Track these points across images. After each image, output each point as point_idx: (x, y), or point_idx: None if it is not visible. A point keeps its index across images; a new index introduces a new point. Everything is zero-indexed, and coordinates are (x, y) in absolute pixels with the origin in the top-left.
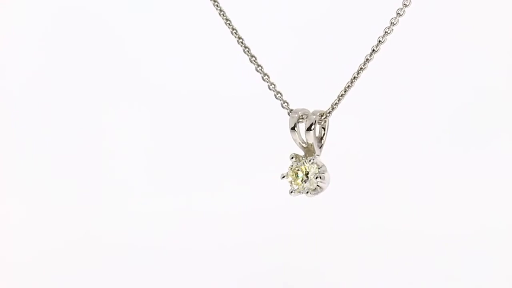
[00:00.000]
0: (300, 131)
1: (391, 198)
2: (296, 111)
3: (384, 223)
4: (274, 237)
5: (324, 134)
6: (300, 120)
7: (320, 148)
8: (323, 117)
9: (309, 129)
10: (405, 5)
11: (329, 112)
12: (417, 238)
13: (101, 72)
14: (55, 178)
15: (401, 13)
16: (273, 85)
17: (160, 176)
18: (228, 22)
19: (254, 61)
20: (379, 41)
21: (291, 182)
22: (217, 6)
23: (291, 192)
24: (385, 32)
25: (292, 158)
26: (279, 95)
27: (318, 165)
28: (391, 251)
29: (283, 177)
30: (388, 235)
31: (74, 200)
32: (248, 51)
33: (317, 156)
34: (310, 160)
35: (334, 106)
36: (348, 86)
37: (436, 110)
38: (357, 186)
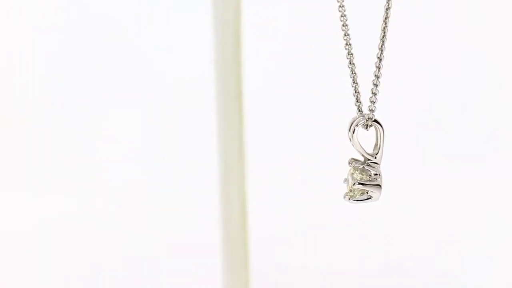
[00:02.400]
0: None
1: (391, 197)
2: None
3: (384, 223)
4: (274, 237)
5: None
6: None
7: (373, 154)
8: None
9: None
10: None
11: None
12: (417, 237)
13: (99, 72)
14: (55, 179)
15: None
16: (360, 106)
17: (159, 174)
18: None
19: (352, 64)
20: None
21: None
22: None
23: (344, 197)
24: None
25: (350, 163)
26: (360, 103)
27: (359, 171)
28: (391, 250)
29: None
30: (388, 234)
31: (74, 200)
32: (352, 57)
33: (360, 162)
34: (350, 163)
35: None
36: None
37: (433, 108)
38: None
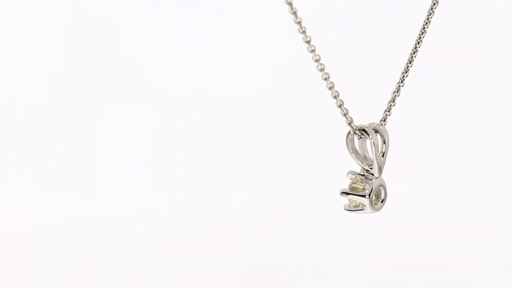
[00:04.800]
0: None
1: (391, 196)
2: (369, 127)
3: (384, 222)
4: (274, 236)
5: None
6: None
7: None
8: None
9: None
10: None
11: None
12: (417, 237)
13: (99, 72)
14: (54, 178)
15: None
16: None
17: (160, 174)
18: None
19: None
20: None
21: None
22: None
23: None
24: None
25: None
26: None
27: (355, 182)
28: (392, 249)
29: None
30: (388, 234)
31: (73, 200)
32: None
33: (354, 172)
34: (348, 173)
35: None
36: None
37: (433, 108)
38: None
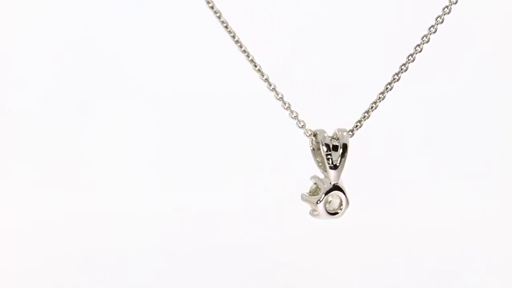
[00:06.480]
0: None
1: (391, 196)
2: (322, 131)
3: (384, 222)
4: (274, 237)
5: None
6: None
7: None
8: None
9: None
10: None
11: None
12: (417, 237)
13: (99, 72)
14: (53, 179)
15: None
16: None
17: (159, 176)
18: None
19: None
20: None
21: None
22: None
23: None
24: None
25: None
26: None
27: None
28: (392, 250)
29: None
30: (388, 234)
31: (72, 200)
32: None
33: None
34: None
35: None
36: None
37: (423, 108)
38: (357, 185)
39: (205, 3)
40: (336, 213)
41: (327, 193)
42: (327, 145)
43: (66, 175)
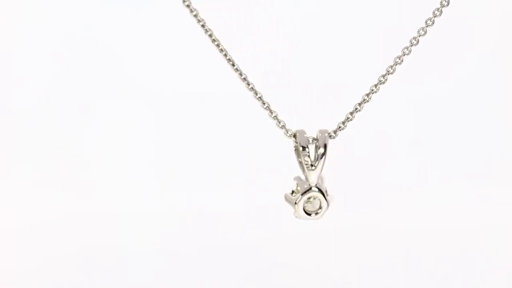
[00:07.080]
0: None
1: (391, 197)
2: (301, 132)
3: (384, 223)
4: (273, 237)
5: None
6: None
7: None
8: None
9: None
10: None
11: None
12: (417, 237)
13: (99, 72)
14: (54, 179)
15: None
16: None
17: (159, 176)
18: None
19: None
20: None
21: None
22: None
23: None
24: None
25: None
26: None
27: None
28: (392, 250)
29: None
30: (388, 234)
31: (71, 201)
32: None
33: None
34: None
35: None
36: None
37: (421, 111)
38: (356, 185)
39: (181, 2)
40: (315, 214)
41: (303, 194)
42: (303, 146)
43: (66, 175)
